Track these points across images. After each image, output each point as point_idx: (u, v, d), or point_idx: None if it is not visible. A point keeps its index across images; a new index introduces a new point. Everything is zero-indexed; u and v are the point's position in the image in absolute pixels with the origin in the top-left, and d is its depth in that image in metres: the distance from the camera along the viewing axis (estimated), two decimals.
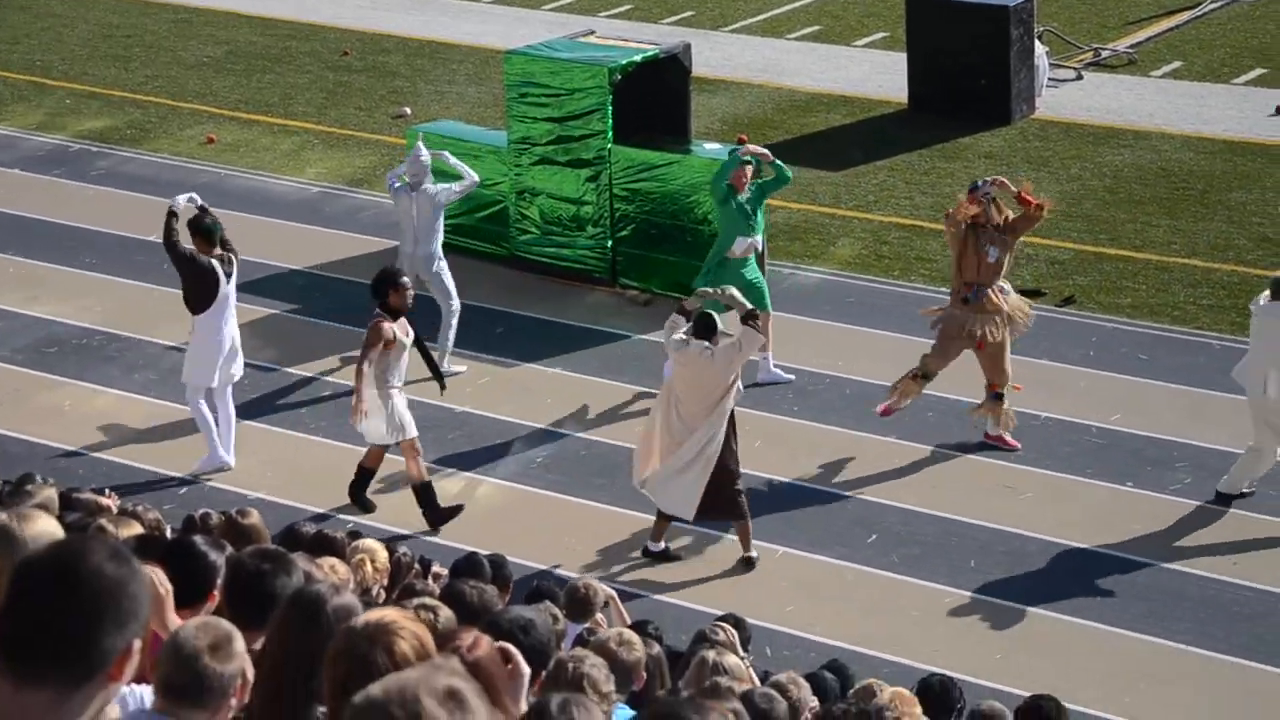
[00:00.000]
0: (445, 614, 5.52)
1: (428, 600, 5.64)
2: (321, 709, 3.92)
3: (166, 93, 22.06)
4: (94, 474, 13.41)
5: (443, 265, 15.05)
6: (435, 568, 9.88)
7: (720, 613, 9.72)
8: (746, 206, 14.45)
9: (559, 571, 12.00)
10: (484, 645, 4.12)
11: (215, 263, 13.49)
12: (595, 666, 5.49)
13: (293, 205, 18.74)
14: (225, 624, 3.93)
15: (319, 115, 21.21)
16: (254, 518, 8.15)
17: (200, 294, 13.53)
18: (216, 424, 13.62)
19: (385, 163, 19.79)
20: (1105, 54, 21.70)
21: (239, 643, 3.87)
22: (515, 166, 17.13)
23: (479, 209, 17.48)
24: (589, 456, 13.87)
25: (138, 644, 2.97)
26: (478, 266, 17.14)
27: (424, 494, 12.84)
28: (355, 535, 9.65)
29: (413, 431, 12.77)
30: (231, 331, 13.66)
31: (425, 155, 15.21)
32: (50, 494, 6.86)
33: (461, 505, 12.96)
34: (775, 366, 14.74)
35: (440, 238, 15.15)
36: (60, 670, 2.91)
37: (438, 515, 12.86)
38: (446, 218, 17.59)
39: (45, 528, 4.15)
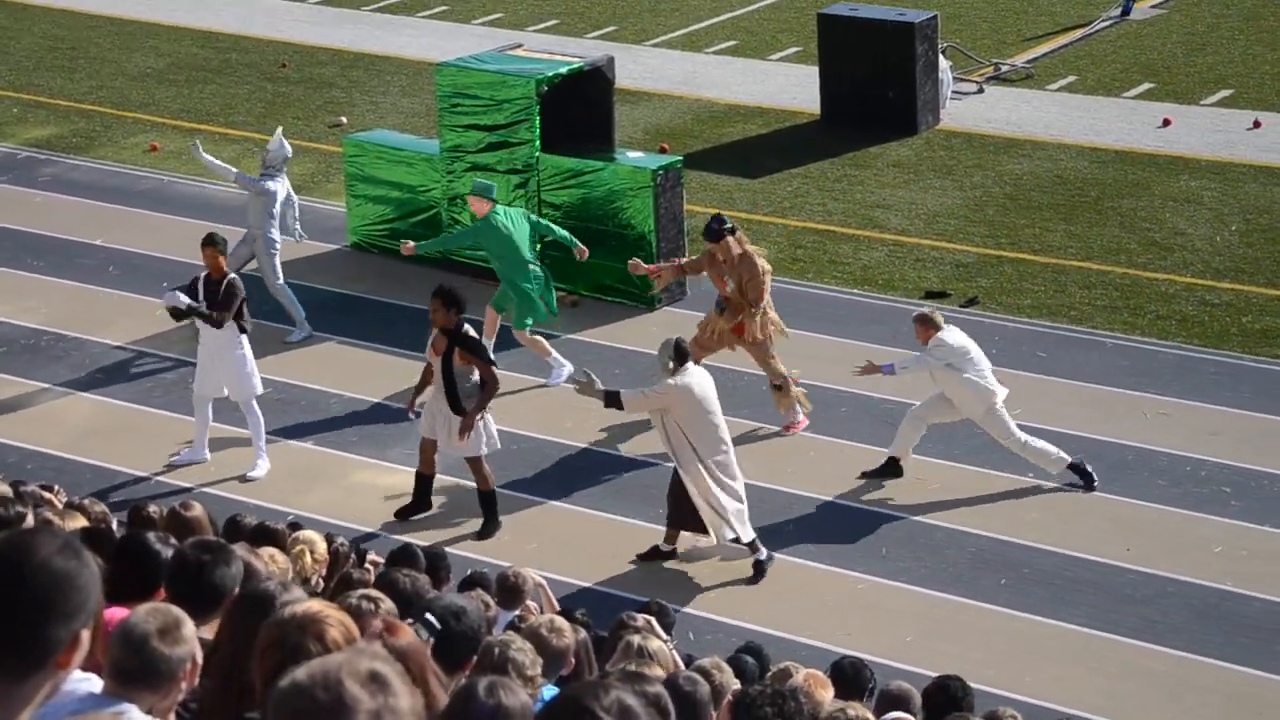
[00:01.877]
0: (387, 604, 5.48)
1: (370, 591, 5.59)
2: None
3: (110, 102, 21.80)
4: (42, 469, 13.23)
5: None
6: (371, 556, 9.81)
7: (644, 599, 9.72)
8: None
9: (495, 562, 11.95)
10: (405, 630, 4.09)
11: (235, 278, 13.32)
12: (520, 650, 5.46)
13: (234, 211, 18.51)
14: (175, 609, 3.88)
15: (258, 124, 21.02)
16: (196, 510, 8.05)
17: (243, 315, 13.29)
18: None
19: (323, 170, 19.65)
20: (1004, 69, 21.87)
21: (188, 627, 3.81)
22: (448, 174, 17.05)
23: (413, 214, 17.39)
24: (519, 451, 13.82)
25: (86, 634, 2.93)
26: (411, 269, 17.04)
27: (488, 502, 12.71)
28: (295, 527, 9.57)
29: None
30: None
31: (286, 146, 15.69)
32: (35, 489, 6.74)
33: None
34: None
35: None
36: (10, 660, 2.87)
37: (490, 527, 12.70)
38: (381, 221, 17.55)
39: None
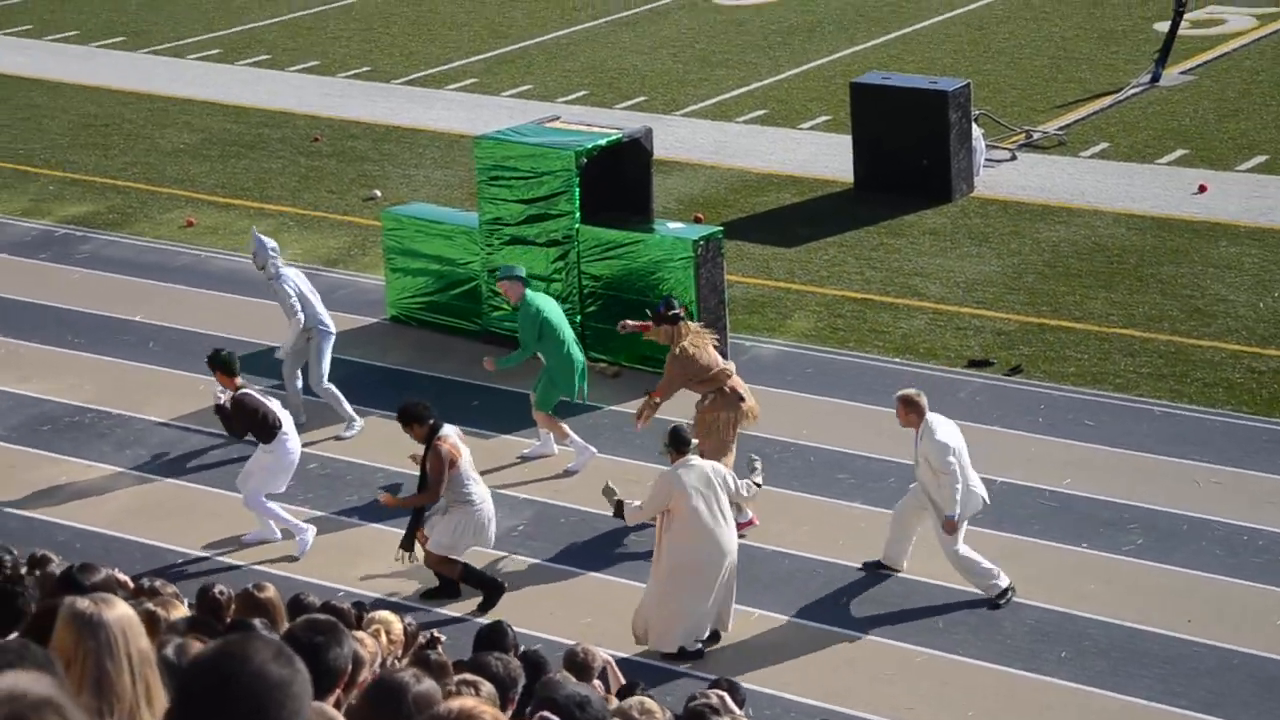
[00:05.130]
0: (487, 688, 5.39)
1: (468, 676, 5.50)
2: None
3: (145, 178, 21.88)
4: (90, 547, 13.17)
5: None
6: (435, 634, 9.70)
7: (702, 675, 9.60)
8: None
9: (548, 637, 11.83)
10: None
11: (255, 395, 13.26)
12: None
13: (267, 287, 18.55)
14: (329, 710, 3.80)
15: (293, 198, 21.08)
16: (270, 591, 7.97)
17: (264, 428, 13.22)
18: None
19: (358, 243, 19.68)
20: (1037, 135, 21.90)
21: None
22: (487, 246, 17.06)
23: (452, 286, 17.38)
24: (568, 525, 13.74)
25: None
26: (452, 342, 17.02)
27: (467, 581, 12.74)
28: (360, 606, 9.49)
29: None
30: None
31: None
32: (108, 575, 6.67)
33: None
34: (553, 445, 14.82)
35: None
36: None
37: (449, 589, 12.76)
38: (421, 294, 17.54)
39: (124, 611, 4.02)
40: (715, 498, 11.73)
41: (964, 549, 12.28)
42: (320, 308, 15.40)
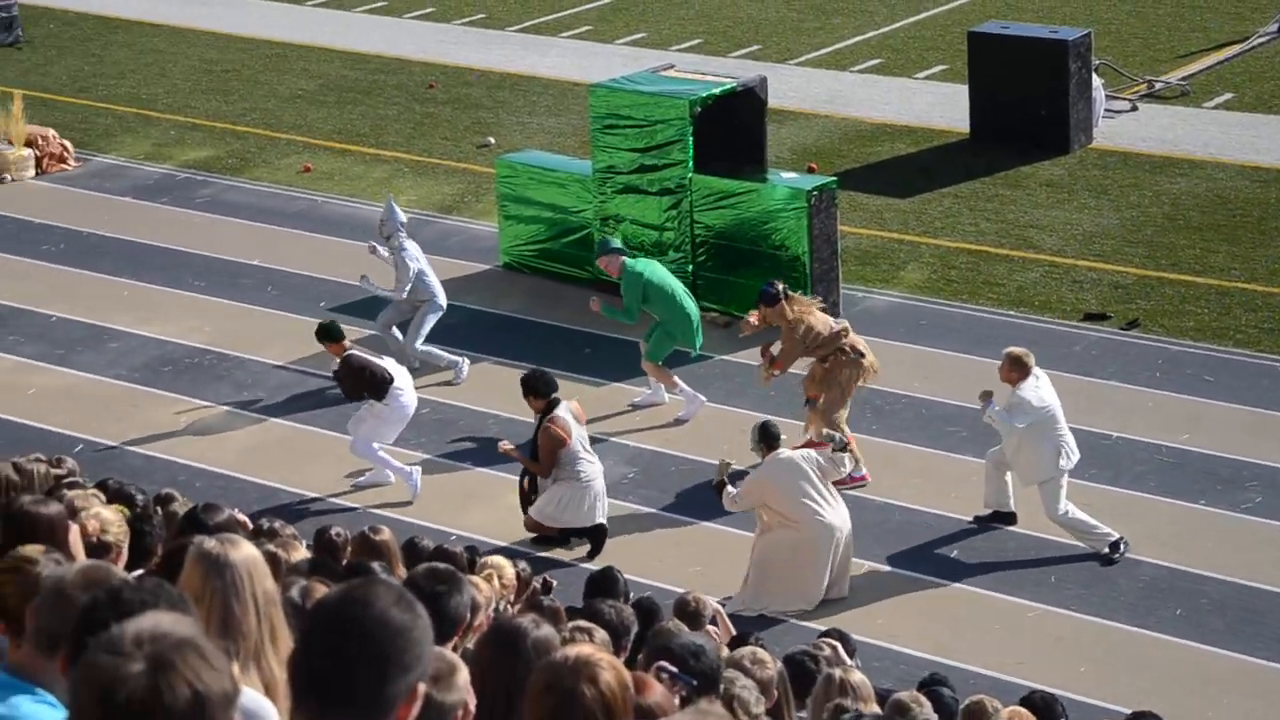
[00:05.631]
0: (600, 635, 5.43)
1: (581, 623, 5.54)
2: None
3: (264, 124, 22.10)
4: (210, 487, 13.40)
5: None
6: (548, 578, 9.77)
7: (822, 627, 9.60)
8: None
9: (657, 585, 11.87)
10: (653, 687, 4.03)
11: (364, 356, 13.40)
12: (745, 688, 5.37)
13: None
14: (450, 655, 3.84)
15: (408, 145, 21.21)
16: (385, 534, 8.08)
17: (375, 385, 13.34)
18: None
19: (472, 190, 19.77)
20: (1159, 86, 21.49)
21: (462, 675, 3.77)
22: (600, 194, 17.07)
23: (565, 234, 17.42)
24: (678, 474, 13.77)
25: (422, 687, 2.90)
26: (563, 290, 17.07)
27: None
28: (472, 550, 9.57)
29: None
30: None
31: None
32: (230, 515, 6.79)
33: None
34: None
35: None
36: (350, 716, 2.84)
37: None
38: (533, 241, 17.60)
39: (250, 552, 4.09)
40: (810, 482, 11.73)
41: (1067, 508, 12.14)
42: (436, 282, 15.46)
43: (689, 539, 12.90)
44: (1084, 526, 12.17)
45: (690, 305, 14.82)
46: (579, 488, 12.56)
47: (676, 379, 14.68)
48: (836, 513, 11.83)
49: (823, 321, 13.56)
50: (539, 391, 12.66)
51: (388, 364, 13.48)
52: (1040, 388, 12.20)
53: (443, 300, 15.46)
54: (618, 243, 15.23)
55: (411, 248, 15.43)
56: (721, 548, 12.68)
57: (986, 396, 12.31)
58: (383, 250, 15.52)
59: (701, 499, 13.38)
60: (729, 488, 12.02)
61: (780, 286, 13.81)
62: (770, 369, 13.72)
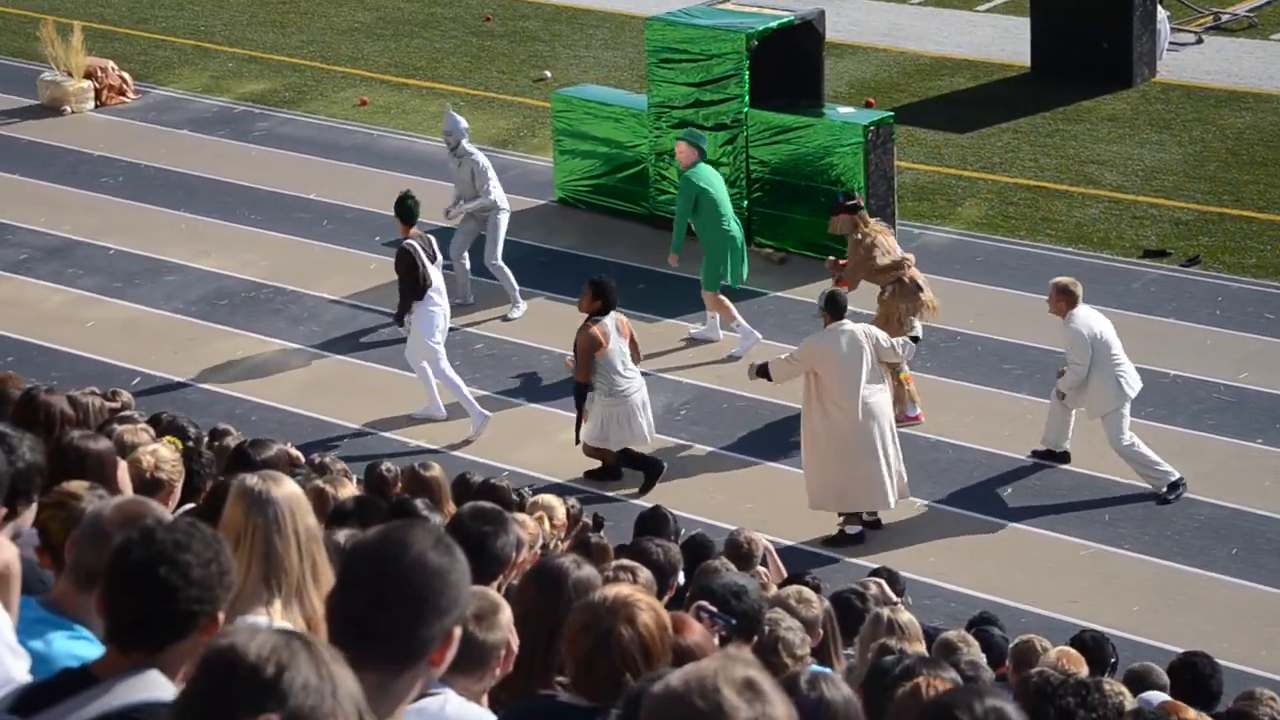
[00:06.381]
0: (644, 575, 5.43)
1: (626, 561, 5.54)
2: (560, 678, 3.82)
3: (321, 57, 22.09)
4: (266, 421, 13.49)
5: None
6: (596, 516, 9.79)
7: (872, 565, 9.58)
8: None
9: (709, 521, 11.88)
10: (692, 627, 4.02)
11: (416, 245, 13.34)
12: (790, 629, 5.36)
13: (441, 165, 18.61)
14: (493, 595, 3.85)
15: (464, 79, 21.15)
16: (435, 470, 8.10)
17: (415, 283, 13.32)
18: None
19: (528, 124, 19.70)
20: (1225, 18, 21.12)
21: (505, 614, 3.78)
22: (655, 129, 16.97)
23: (619, 169, 17.35)
24: (731, 410, 13.75)
25: (458, 631, 2.91)
26: (618, 225, 17.02)
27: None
28: (520, 494, 9.57)
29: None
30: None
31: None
32: (280, 450, 6.81)
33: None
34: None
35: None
36: (385, 656, 2.87)
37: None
38: (588, 176, 17.55)
39: (292, 489, 4.10)
40: (865, 361, 11.65)
41: (1132, 440, 12.04)
42: (499, 187, 15.52)
43: (740, 476, 12.89)
44: (1146, 461, 12.08)
45: (736, 232, 14.70)
46: (614, 404, 12.54)
47: (735, 312, 14.62)
48: (880, 399, 11.73)
49: (891, 244, 13.50)
50: (595, 293, 12.58)
51: (433, 269, 13.44)
52: (1090, 317, 12.14)
53: (507, 205, 15.50)
54: (704, 142, 15.11)
55: (477, 151, 15.47)
56: (773, 485, 12.66)
57: (1059, 375, 12.21)
58: (457, 208, 15.45)
59: (755, 436, 13.36)
60: (771, 360, 11.98)
61: (857, 198, 13.78)
62: (837, 286, 13.65)
